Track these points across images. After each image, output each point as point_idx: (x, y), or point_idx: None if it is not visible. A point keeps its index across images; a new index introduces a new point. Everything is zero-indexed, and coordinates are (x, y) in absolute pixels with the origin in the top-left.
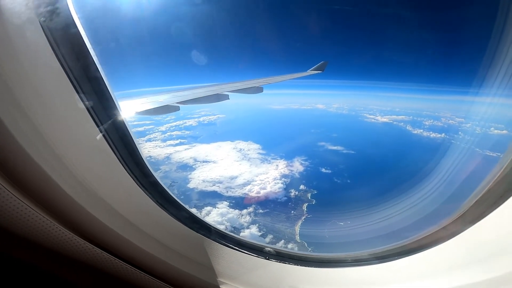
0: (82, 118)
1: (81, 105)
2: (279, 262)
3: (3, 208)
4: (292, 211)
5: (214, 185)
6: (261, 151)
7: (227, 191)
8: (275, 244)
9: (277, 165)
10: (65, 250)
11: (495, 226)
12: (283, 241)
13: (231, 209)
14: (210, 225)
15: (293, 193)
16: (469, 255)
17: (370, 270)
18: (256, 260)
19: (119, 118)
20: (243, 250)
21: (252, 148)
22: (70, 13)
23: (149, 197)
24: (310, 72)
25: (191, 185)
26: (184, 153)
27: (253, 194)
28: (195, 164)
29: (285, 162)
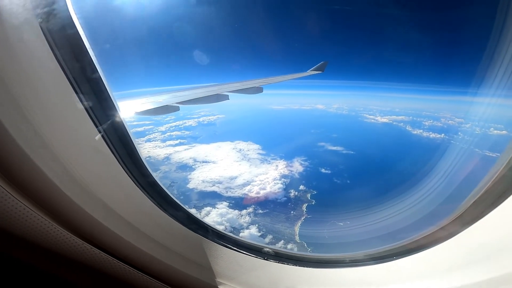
0: (81, 118)
1: (80, 106)
2: (278, 262)
3: (2, 208)
4: (292, 212)
5: (213, 186)
6: (260, 152)
7: (227, 192)
8: (275, 244)
9: (276, 166)
10: (63, 251)
11: (493, 226)
12: (282, 241)
13: (230, 210)
14: (209, 226)
15: (292, 193)
16: (468, 256)
17: (368, 271)
18: (255, 261)
19: (118, 119)
20: (241, 251)
21: (252, 148)
22: (69, 13)
23: (148, 197)
24: (310, 72)
25: (190, 185)
26: (183, 154)
27: (252, 195)
28: (194, 165)
29: (285, 162)
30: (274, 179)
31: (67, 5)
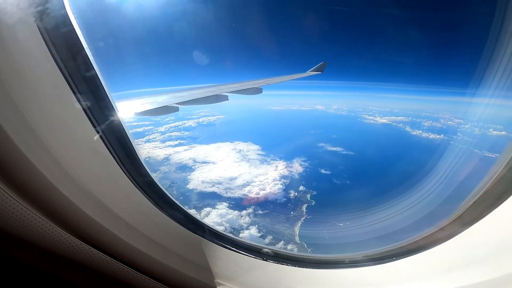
0: (79, 118)
1: (78, 106)
2: (277, 263)
3: (0, 209)
4: (292, 212)
5: (213, 186)
6: (260, 152)
7: (227, 192)
8: (275, 245)
9: (276, 166)
10: (62, 251)
11: (493, 227)
12: (282, 242)
13: (230, 210)
14: (208, 226)
15: (292, 194)
16: (467, 256)
17: (368, 272)
18: (254, 261)
19: (116, 119)
20: (240, 251)
21: (252, 149)
22: (67, 13)
23: (146, 197)
24: (309, 73)
25: (190, 186)
26: (183, 154)
27: (252, 195)
28: (194, 165)
29: (285, 163)
30: (274, 180)
31: (64, 4)
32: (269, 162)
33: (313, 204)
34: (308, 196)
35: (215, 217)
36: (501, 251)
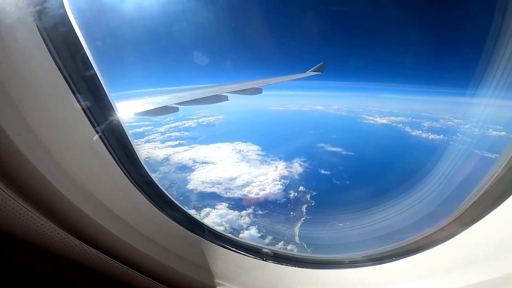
0: (78, 118)
1: (77, 106)
2: (277, 263)
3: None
4: (292, 212)
5: (213, 186)
6: (260, 152)
7: (226, 192)
8: (275, 245)
9: (276, 167)
10: (61, 251)
11: (493, 227)
12: (282, 242)
13: (230, 210)
14: (207, 226)
15: (292, 194)
16: (467, 256)
17: (367, 272)
18: (253, 262)
19: (116, 119)
20: (240, 251)
21: (251, 149)
22: (66, 13)
23: (146, 198)
24: (309, 73)
25: (190, 186)
26: (183, 154)
27: (252, 196)
28: (194, 165)
29: (284, 163)
30: (274, 180)
31: (63, 4)
32: (269, 162)
33: (313, 204)
34: (308, 196)
35: (215, 217)
36: (500, 251)
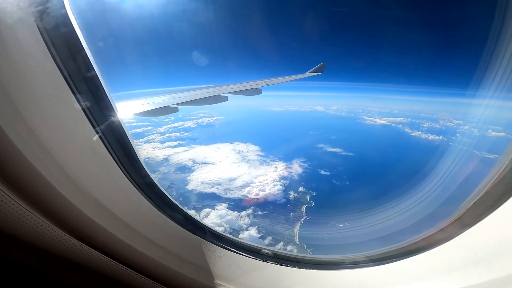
0: (78, 118)
1: (77, 106)
2: (277, 264)
3: None
4: (291, 213)
5: (213, 187)
6: (260, 153)
7: (226, 193)
8: (274, 246)
9: (276, 167)
10: (60, 251)
11: (493, 228)
12: (282, 243)
13: (230, 211)
14: (207, 227)
15: (292, 195)
16: (467, 257)
17: (367, 273)
18: (254, 262)
19: (116, 119)
20: (240, 252)
21: (251, 150)
22: (66, 13)
23: (146, 198)
24: (309, 73)
25: (189, 186)
26: (182, 155)
27: (252, 196)
28: (193, 166)
29: (284, 164)
30: (274, 181)
31: (64, 4)
32: (268, 163)
33: (312, 205)
34: (308, 197)
35: (214, 218)
36: (501, 252)
